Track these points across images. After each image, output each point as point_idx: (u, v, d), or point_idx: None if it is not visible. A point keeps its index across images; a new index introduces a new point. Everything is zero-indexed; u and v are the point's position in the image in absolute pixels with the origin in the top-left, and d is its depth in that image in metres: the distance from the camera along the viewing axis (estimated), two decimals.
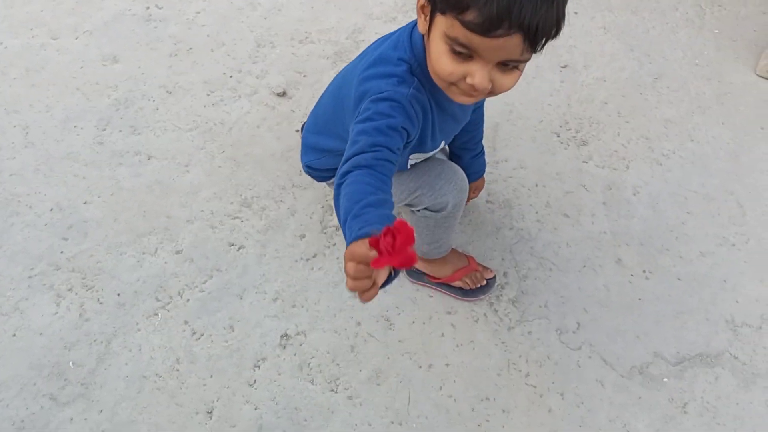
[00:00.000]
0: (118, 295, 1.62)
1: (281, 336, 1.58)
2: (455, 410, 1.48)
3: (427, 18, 0.95)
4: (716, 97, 1.98)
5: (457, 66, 0.92)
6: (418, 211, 1.44)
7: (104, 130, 1.88)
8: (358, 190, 0.89)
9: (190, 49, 2.06)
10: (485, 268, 1.66)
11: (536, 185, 1.82)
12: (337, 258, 1.68)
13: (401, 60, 1.06)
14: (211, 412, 1.48)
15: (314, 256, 1.69)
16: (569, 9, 2.10)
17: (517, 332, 1.59)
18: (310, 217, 1.74)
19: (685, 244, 1.73)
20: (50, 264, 1.66)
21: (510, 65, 0.91)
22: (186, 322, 1.59)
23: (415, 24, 1.05)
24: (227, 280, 1.65)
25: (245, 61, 2.04)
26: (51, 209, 1.74)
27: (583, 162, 1.86)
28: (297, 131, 1.89)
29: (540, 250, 1.71)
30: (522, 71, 0.96)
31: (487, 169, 1.82)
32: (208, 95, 1.96)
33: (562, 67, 2.03)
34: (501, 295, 1.65)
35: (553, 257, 1.70)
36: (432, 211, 1.41)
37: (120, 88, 1.96)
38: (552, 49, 2.05)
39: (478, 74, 0.90)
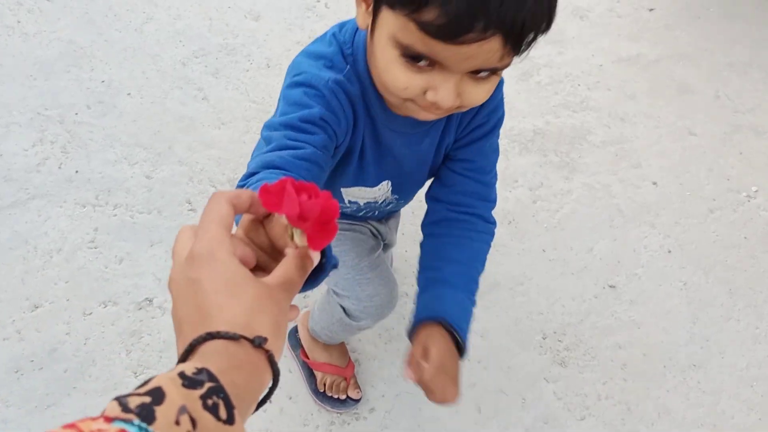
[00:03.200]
0: (76, 172, 1.70)
1: (146, 298, 1.53)
2: None
3: (369, 8, 0.71)
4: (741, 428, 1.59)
5: (413, 77, 0.68)
6: (335, 295, 1.25)
7: (196, 57, 2.00)
8: None
9: None
10: (357, 386, 1.48)
11: (479, 362, 1.59)
12: None
13: (334, 37, 0.83)
14: (36, 308, 1.48)
15: None
16: (664, 243, 1.84)
17: None
18: None
19: None
20: (60, 116, 1.78)
21: (485, 73, 0.69)
22: (95, 229, 1.61)
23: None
24: (157, 225, 1.65)
25: None
26: (102, 81, 1.88)
27: (545, 380, 1.59)
28: None
29: (423, 419, 1.48)
30: (500, 76, 0.73)
31: None
32: None
33: (609, 285, 1.76)
34: (350, 423, 1.45)
35: None
36: (345, 313, 1.24)
37: (238, 39, 2.08)
38: (616, 264, 1.80)
39: (442, 89, 0.67)
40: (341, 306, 1.23)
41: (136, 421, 0.33)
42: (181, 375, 0.37)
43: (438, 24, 0.60)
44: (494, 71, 0.69)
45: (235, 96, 1.94)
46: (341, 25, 0.85)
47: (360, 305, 1.17)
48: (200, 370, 0.38)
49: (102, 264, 1.56)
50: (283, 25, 2.15)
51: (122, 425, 0.32)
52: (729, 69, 2.33)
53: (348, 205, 1.06)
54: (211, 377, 0.38)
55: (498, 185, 1.17)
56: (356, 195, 1.01)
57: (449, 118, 0.92)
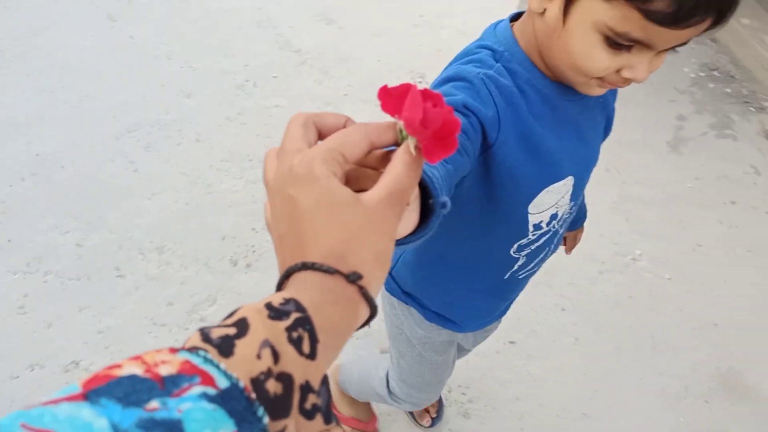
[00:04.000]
0: (9, 241, 1.79)
1: (72, 361, 1.61)
2: None
3: None
4: None
5: (613, 59, 0.70)
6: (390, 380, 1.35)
7: (129, 132, 2.13)
8: None
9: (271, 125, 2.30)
10: None
11: (389, 415, 1.72)
12: (176, 340, 1.71)
13: (481, 47, 0.82)
14: None
15: (163, 325, 1.73)
16: (559, 302, 2.03)
17: None
18: (191, 297, 1.80)
19: None
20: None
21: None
22: (25, 295, 1.70)
23: (499, 21, 0.85)
24: (86, 291, 1.74)
25: None
26: (37, 154, 1.99)
27: (449, 430, 1.73)
28: (254, 230, 1.99)
29: None
30: None
31: None
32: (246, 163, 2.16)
33: (510, 341, 1.94)
34: None
35: None
36: (389, 392, 1.36)
37: (170, 115, 2.23)
38: (516, 322, 1.98)
39: (639, 66, 0.70)
40: (388, 382, 1.35)
41: (202, 352, 0.32)
42: (268, 306, 0.36)
43: (667, 12, 0.64)
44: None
45: (165, 168, 2.07)
46: (481, 39, 0.86)
47: (410, 398, 1.32)
48: (287, 301, 0.37)
49: (31, 328, 1.65)
50: (214, 102, 2.31)
51: (186, 356, 0.32)
52: (619, 146, 2.61)
53: (531, 236, 0.94)
54: (299, 307, 0.37)
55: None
56: (544, 205, 0.90)
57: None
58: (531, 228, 0.91)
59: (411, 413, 1.70)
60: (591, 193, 2.40)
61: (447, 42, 2.81)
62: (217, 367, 0.32)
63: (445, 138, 0.43)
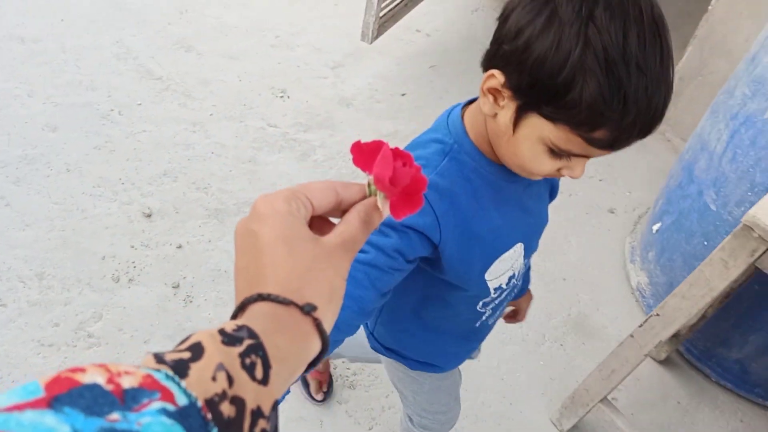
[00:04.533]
0: None
1: None
2: None
3: (500, 103, 0.80)
4: None
5: (555, 163, 0.81)
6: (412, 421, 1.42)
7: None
8: None
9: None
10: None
11: None
12: (66, 357, 1.77)
13: (433, 141, 0.90)
14: None
15: (50, 345, 1.79)
16: None
17: None
18: (76, 316, 1.87)
19: None
20: None
21: None
22: None
23: (453, 108, 0.93)
24: None
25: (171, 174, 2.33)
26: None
27: (338, 402, 1.88)
28: (133, 247, 2.08)
29: None
30: None
31: None
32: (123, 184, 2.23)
33: None
34: None
35: None
36: (414, 425, 1.42)
37: (37, 149, 2.29)
38: None
39: (578, 168, 0.82)
40: (411, 420, 1.41)
41: (164, 369, 0.33)
42: (221, 332, 0.37)
43: (605, 140, 0.74)
44: None
45: (37, 200, 2.12)
46: (431, 129, 0.94)
47: (439, 422, 1.39)
48: (240, 327, 0.38)
49: None
50: (80, 133, 2.38)
51: (149, 371, 0.32)
52: None
53: (493, 295, 1.05)
54: (251, 334, 0.38)
55: None
56: (499, 271, 1.01)
57: None
58: (492, 291, 1.03)
59: (307, 387, 1.84)
60: None
61: (303, 58, 3.00)
62: (178, 384, 0.33)
63: (412, 195, 0.47)
